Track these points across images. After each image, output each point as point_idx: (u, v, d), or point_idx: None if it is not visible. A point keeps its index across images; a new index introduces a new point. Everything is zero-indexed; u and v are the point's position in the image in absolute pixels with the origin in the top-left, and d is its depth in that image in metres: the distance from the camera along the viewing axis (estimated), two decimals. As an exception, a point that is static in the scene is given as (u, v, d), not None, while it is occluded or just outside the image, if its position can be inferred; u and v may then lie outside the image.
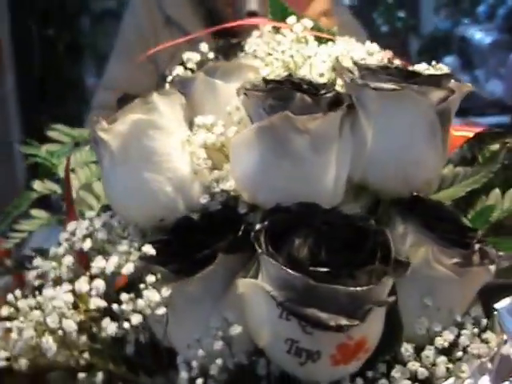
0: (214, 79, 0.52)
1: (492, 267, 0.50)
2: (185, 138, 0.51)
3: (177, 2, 1.23)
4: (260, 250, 0.44)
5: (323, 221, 0.46)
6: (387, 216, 0.50)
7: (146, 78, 1.14)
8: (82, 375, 0.50)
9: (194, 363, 0.47)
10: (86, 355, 0.49)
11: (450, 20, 2.87)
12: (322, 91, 0.47)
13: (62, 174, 0.65)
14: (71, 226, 0.52)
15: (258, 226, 0.46)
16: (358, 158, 0.49)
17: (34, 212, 0.62)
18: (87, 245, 0.50)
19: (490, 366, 0.48)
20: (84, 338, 0.49)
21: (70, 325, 0.46)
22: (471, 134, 0.61)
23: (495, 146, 0.60)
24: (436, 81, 0.48)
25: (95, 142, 0.51)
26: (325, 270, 0.43)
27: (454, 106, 0.50)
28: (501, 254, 0.54)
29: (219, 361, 0.47)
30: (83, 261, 0.52)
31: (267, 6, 0.66)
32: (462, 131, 0.62)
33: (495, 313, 0.52)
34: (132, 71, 1.18)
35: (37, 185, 0.64)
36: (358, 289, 0.42)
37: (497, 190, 0.58)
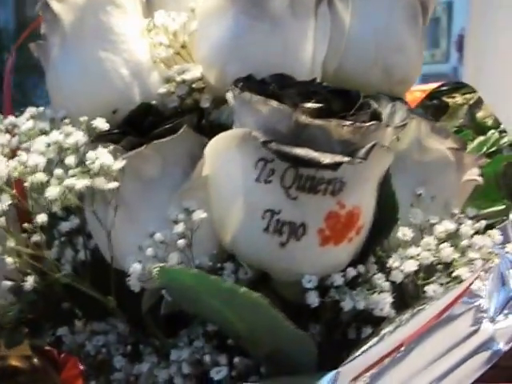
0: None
1: (480, 179, 0.45)
2: (144, 26, 0.46)
3: None
4: (236, 92, 0.38)
5: (305, 90, 0.41)
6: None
7: None
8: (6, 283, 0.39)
9: (150, 251, 0.38)
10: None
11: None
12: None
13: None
14: (9, 119, 0.44)
15: (230, 86, 0.40)
16: (336, 45, 0.45)
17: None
18: (28, 125, 0.41)
19: (496, 261, 0.41)
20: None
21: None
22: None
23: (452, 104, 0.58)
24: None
25: (43, 37, 0.46)
26: (316, 105, 0.37)
27: (430, 3, 0.47)
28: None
29: (181, 242, 0.38)
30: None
31: None
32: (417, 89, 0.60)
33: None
34: None
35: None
36: (358, 125, 0.36)
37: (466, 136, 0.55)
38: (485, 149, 0.54)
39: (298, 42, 0.43)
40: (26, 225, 0.40)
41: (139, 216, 0.40)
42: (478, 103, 0.58)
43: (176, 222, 0.39)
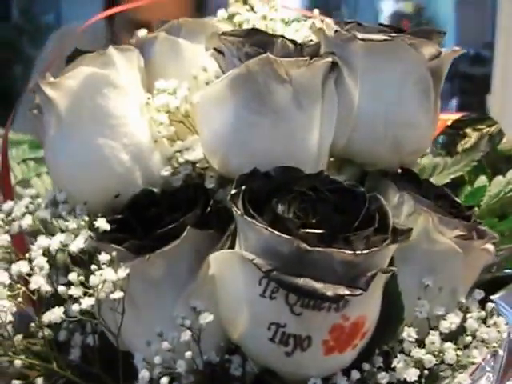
0: (178, 38, 0.46)
1: (491, 247, 0.45)
2: (143, 102, 0.44)
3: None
4: (239, 212, 0.37)
5: (308, 186, 0.40)
6: (377, 189, 0.44)
7: None
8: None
9: (157, 359, 0.39)
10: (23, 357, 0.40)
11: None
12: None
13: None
14: (8, 205, 0.44)
15: (233, 191, 0.39)
16: (344, 121, 0.43)
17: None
18: (27, 221, 0.41)
19: (501, 352, 0.41)
20: (19, 337, 0.40)
21: (5, 305, 0.37)
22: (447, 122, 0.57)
23: (473, 134, 0.56)
24: (427, 35, 0.44)
25: (39, 110, 0.44)
26: (317, 232, 0.36)
27: (445, 66, 0.45)
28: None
29: (188, 353, 0.39)
30: (21, 247, 0.43)
31: None
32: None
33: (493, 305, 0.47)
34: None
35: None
36: (358, 252, 0.36)
37: (483, 177, 0.54)
38: (502, 194, 0.52)
39: (303, 132, 0.41)
40: (32, 325, 0.41)
41: (146, 315, 0.41)
42: (500, 134, 0.56)
43: (183, 326, 0.39)
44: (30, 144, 0.63)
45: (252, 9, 0.53)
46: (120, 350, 0.41)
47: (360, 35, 0.42)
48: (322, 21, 0.53)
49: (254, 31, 0.42)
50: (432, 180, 0.53)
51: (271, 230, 0.36)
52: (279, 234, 0.36)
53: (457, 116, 0.57)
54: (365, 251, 0.36)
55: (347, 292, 0.35)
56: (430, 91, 0.43)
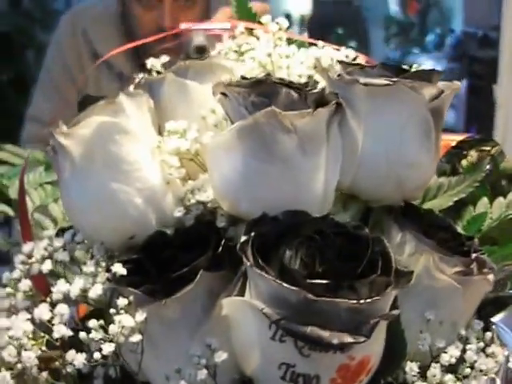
0: (186, 80, 0.48)
1: (491, 277, 0.46)
2: (155, 145, 0.46)
3: (105, 38, 1.19)
4: (248, 263, 0.39)
5: (315, 230, 0.42)
6: (380, 225, 0.46)
7: (72, 111, 1.09)
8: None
9: (175, 398, 0.41)
10: (48, 394, 0.43)
11: (400, 50, 2.95)
12: (308, 88, 0.43)
13: (14, 195, 0.59)
14: (27, 246, 0.46)
15: (243, 238, 0.41)
16: (349, 162, 0.45)
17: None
18: (46, 267, 0.44)
19: (498, 381, 0.44)
20: (45, 375, 0.43)
21: (30, 356, 0.39)
22: (452, 142, 0.59)
23: (474, 154, 0.58)
24: (427, 76, 0.45)
25: (53, 151, 0.46)
26: (323, 282, 0.38)
27: (446, 104, 0.46)
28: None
29: (205, 393, 0.41)
30: (41, 286, 0.46)
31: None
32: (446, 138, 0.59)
33: (493, 327, 0.49)
34: (58, 104, 1.14)
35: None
36: (362, 302, 0.38)
37: (485, 199, 0.55)
38: (502, 216, 0.54)
39: (309, 177, 0.43)
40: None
41: (164, 353, 0.43)
42: (501, 154, 0.58)
43: (198, 365, 0.41)
44: (47, 165, 0.65)
45: (258, 39, 0.54)
46: (140, 381, 0.43)
47: (362, 80, 0.43)
48: (323, 46, 0.55)
49: (259, 82, 0.43)
50: (436, 201, 0.55)
51: (279, 281, 0.38)
52: (287, 285, 0.38)
53: (461, 137, 0.58)
54: (368, 300, 0.38)
55: (351, 340, 0.37)
56: (431, 132, 0.45)
